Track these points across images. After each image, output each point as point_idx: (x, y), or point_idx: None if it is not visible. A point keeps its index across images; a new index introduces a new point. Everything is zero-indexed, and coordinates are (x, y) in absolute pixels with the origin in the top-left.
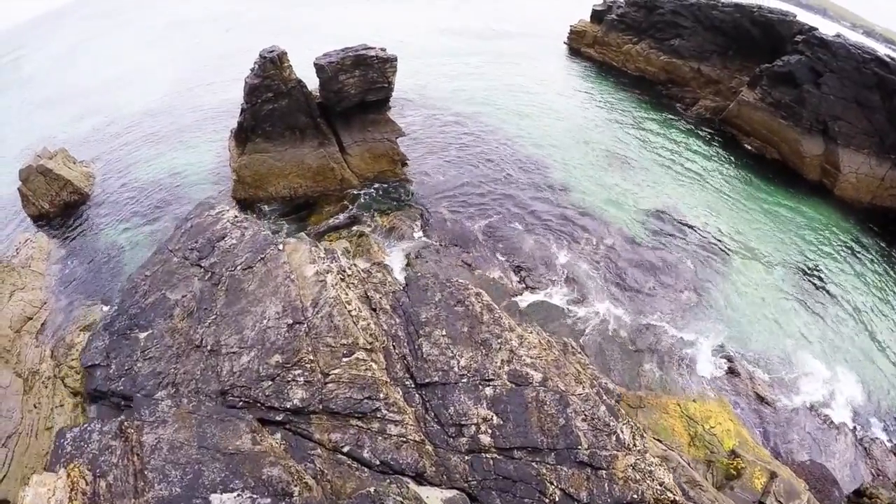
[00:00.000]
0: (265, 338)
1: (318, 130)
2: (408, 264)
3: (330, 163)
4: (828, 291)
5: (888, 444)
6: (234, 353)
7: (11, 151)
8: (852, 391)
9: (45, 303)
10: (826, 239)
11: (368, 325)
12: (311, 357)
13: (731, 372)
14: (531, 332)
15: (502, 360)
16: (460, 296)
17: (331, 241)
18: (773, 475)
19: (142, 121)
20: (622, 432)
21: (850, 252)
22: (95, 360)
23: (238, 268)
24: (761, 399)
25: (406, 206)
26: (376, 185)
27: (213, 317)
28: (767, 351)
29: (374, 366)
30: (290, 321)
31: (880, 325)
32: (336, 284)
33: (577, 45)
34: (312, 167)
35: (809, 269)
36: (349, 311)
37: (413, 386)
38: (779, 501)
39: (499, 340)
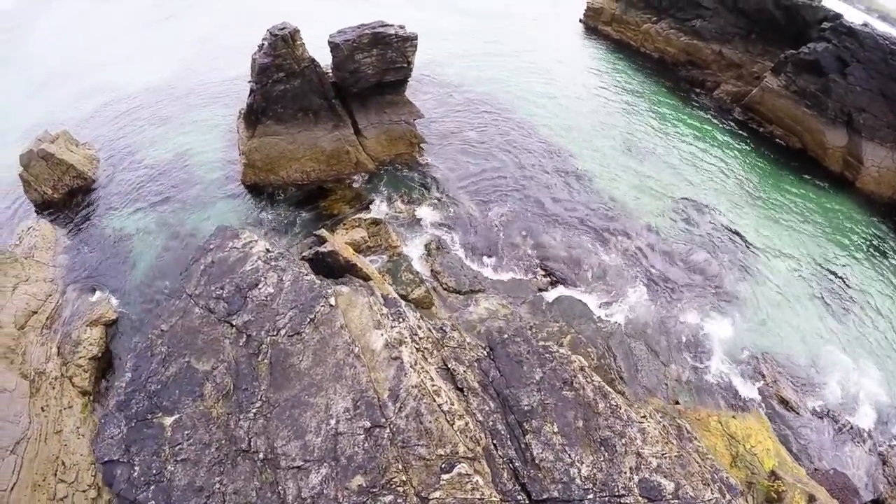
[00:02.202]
0: (338, 448)
1: (333, 112)
2: (428, 255)
3: (345, 146)
4: (851, 289)
5: None
6: (297, 467)
7: (12, 134)
8: (875, 395)
9: (50, 295)
10: (848, 234)
11: (466, 424)
12: (403, 477)
13: (758, 375)
14: (643, 415)
15: (630, 468)
16: (566, 374)
17: (347, 229)
18: (812, 498)
19: (145, 99)
20: None
21: (872, 248)
22: (112, 454)
23: (282, 332)
24: (785, 403)
25: (424, 192)
26: (392, 170)
27: (257, 404)
28: (792, 352)
29: (480, 481)
30: (368, 423)
31: None
32: (415, 363)
33: (594, 22)
34: (326, 150)
35: (832, 265)
36: (439, 405)
37: (527, 503)
38: None
39: (622, 441)
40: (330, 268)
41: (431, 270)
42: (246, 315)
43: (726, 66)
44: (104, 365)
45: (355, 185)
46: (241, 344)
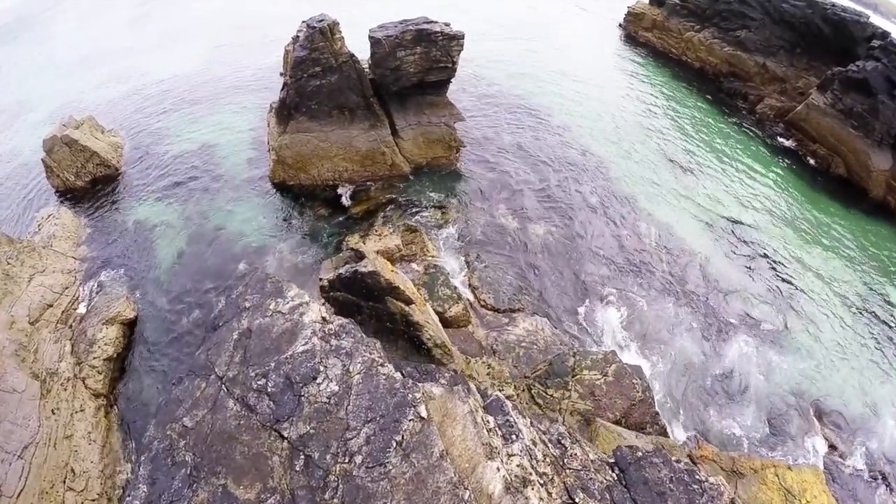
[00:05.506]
0: None
1: (370, 111)
2: (466, 268)
3: (381, 147)
4: None
5: None
6: None
7: (37, 116)
8: None
9: (67, 288)
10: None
11: None
12: None
13: (807, 419)
14: None
15: None
16: None
17: (380, 235)
18: None
19: (173, 87)
20: None
21: None
22: None
23: (357, 459)
24: (836, 450)
25: (462, 201)
26: (429, 174)
27: None
28: (844, 395)
29: None
30: None
31: None
32: None
33: (635, 27)
34: (361, 151)
35: (880, 297)
36: None
37: None
38: None
39: None
40: (369, 289)
41: (469, 285)
42: (302, 424)
43: (770, 79)
44: (120, 366)
45: (390, 188)
46: (297, 468)
